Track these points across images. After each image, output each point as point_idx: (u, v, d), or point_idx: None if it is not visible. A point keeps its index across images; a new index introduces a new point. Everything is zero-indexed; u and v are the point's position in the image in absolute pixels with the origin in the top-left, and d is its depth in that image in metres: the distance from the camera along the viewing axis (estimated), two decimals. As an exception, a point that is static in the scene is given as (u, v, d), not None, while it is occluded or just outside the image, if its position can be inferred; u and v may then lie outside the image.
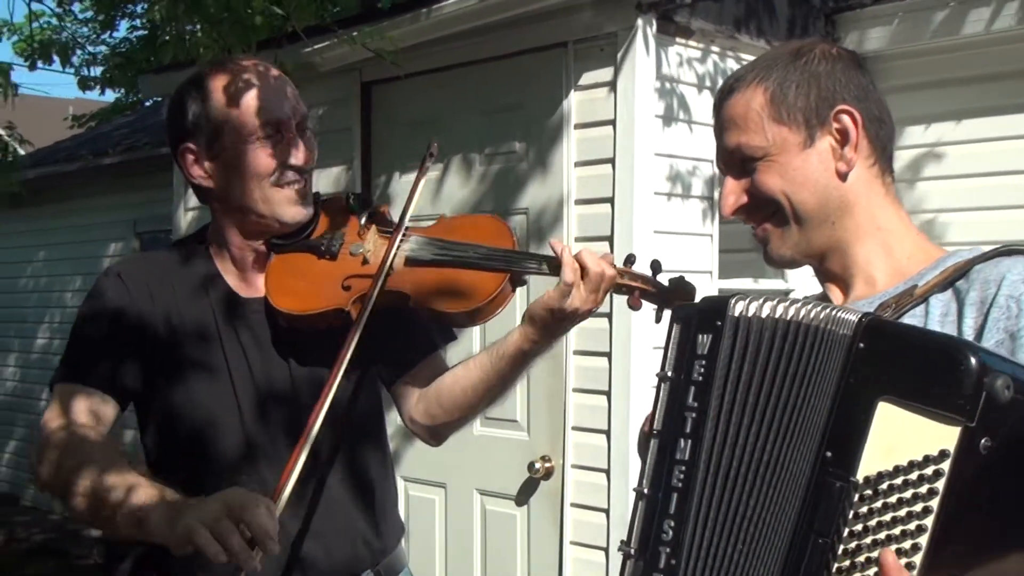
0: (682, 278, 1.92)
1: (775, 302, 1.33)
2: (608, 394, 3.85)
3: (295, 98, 2.06)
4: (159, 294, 2.06)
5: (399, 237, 2.01)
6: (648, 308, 2.01)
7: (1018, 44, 4.22)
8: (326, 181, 4.94)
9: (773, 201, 1.51)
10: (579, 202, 3.96)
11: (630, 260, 1.97)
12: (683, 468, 1.34)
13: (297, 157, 2.02)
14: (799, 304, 1.31)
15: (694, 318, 1.40)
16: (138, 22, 12.21)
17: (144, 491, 1.72)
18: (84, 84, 5.79)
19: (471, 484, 4.36)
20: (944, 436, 1.09)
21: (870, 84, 1.54)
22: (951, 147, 4.44)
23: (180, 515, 1.62)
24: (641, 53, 3.78)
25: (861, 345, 1.21)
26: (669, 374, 1.40)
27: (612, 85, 3.85)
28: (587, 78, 3.94)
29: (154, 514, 1.67)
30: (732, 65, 4.18)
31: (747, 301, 1.35)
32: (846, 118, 1.49)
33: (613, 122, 3.84)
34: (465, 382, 2.07)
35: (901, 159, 4.48)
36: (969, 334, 1.34)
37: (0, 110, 5.68)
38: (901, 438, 1.12)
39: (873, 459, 1.14)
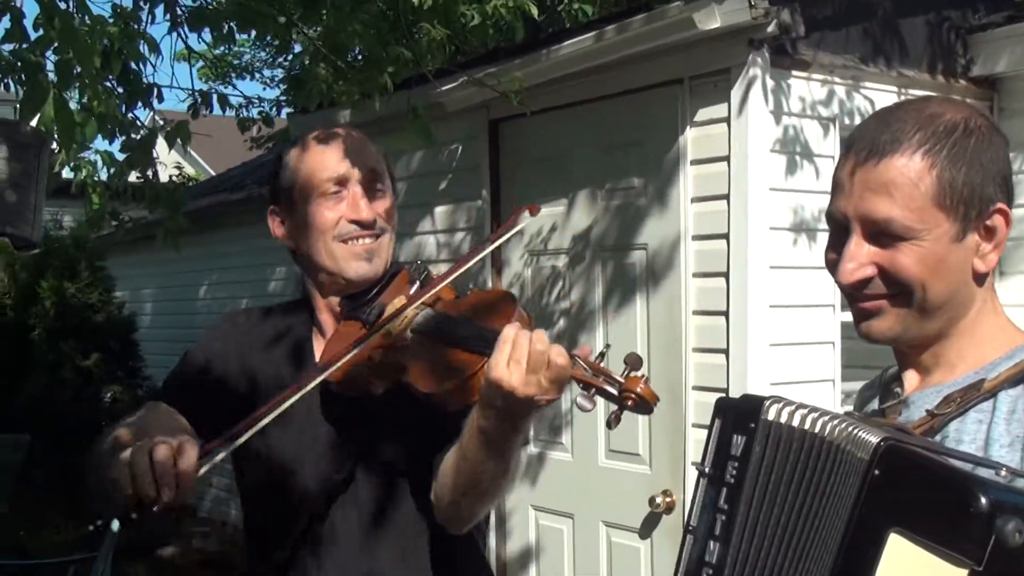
0: (647, 381, 1.67)
1: (807, 410, 1.31)
2: (726, 430, 3.85)
3: (367, 155, 2.11)
4: (251, 351, 2.17)
5: (413, 305, 1.95)
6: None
7: None
8: (459, 217, 5.08)
9: (907, 286, 1.40)
10: (696, 238, 3.98)
11: (601, 354, 1.75)
12: (711, 572, 1.34)
13: (358, 212, 2.05)
14: (827, 417, 1.29)
15: (731, 416, 1.39)
16: (295, 39, 12.69)
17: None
18: (243, 126, 6.05)
19: (597, 515, 4.42)
20: None
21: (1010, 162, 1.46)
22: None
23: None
24: (754, 88, 3.77)
25: (876, 472, 1.18)
26: (707, 470, 1.40)
27: (726, 121, 3.85)
28: (702, 114, 3.95)
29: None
30: (856, 96, 4.13)
31: (780, 406, 1.33)
32: (999, 218, 1.41)
33: (727, 158, 3.85)
34: (448, 465, 1.93)
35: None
36: None
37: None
38: (910, 574, 1.11)
39: None
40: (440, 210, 5.21)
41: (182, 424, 1.97)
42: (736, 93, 3.81)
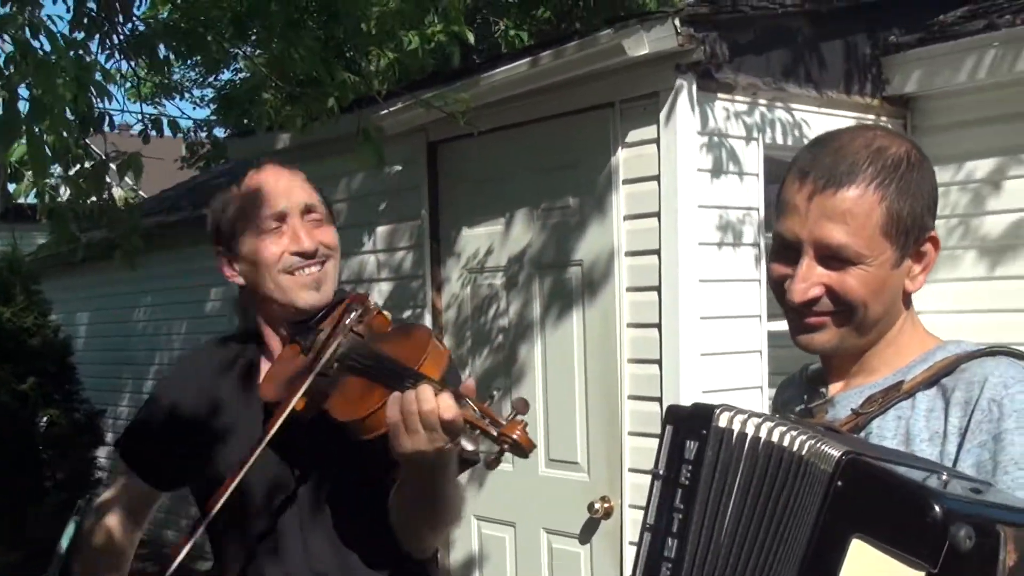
0: (526, 428, 1.74)
1: (760, 419, 1.39)
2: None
3: (301, 188, 2.21)
4: (204, 383, 2.29)
5: (336, 342, 2.04)
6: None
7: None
8: (400, 236, 5.23)
9: (852, 306, 1.52)
10: (629, 254, 4.16)
11: (491, 396, 1.83)
12: (669, 566, 1.43)
13: (300, 243, 2.14)
14: (784, 427, 1.37)
15: (683, 422, 1.46)
16: (241, 64, 12.79)
17: None
18: (192, 149, 6.20)
19: (538, 523, 4.57)
20: None
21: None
22: (997, 183, 4.52)
23: None
24: (682, 111, 3.96)
25: (839, 484, 1.27)
26: (661, 472, 1.47)
27: (656, 142, 4.04)
28: (633, 136, 4.14)
29: None
30: (781, 114, 4.34)
31: (732, 414, 1.41)
32: (930, 244, 1.55)
33: (658, 177, 4.03)
34: (393, 505, 2.08)
35: (946, 198, 4.57)
36: (954, 432, 1.44)
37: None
38: (871, 575, 1.21)
39: None
40: (381, 230, 5.35)
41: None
42: (664, 115, 4.00)
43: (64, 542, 4.69)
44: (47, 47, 2.49)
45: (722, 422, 1.41)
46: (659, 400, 4.03)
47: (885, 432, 1.51)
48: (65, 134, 3.27)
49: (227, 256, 2.24)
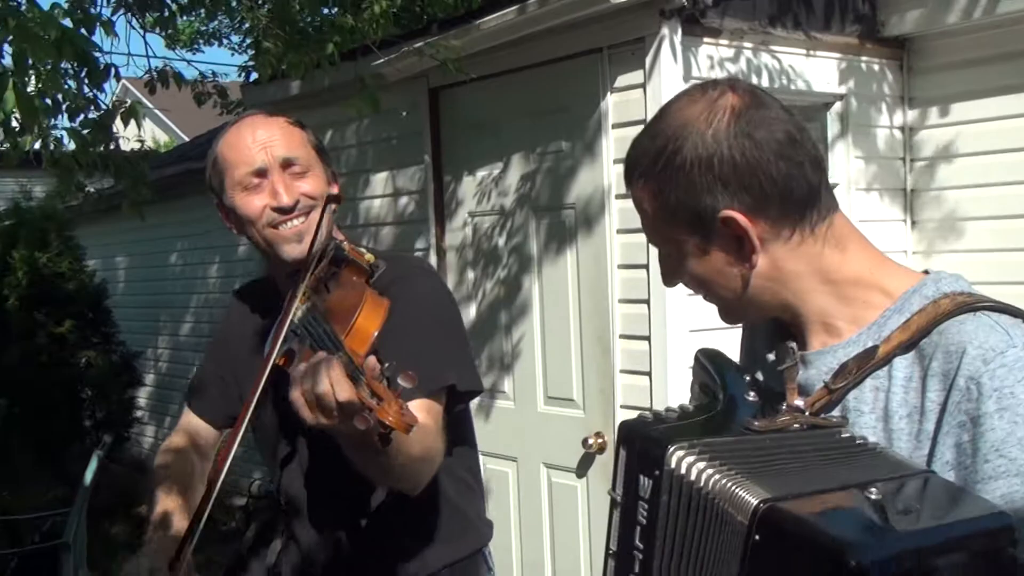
0: (404, 409, 1.64)
1: (704, 463, 1.32)
2: (649, 375, 4.16)
3: (281, 141, 2.20)
4: (253, 321, 2.43)
5: (296, 307, 1.94)
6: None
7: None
8: (403, 181, 5.36)
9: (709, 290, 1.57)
10: (619, 196, 4.26)
11: (388, 366, 1.71)
12: None
13: (278, 199, 2.17)
14: (719, 475, 1.30)
15: (636, 452, 1.40)
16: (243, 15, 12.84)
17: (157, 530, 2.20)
18: (199, 100, 6.40)
19: (538, 458, 4.73)
20: None
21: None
22: (992, 123, 4.55)
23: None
24: (666, 56, 4.04)
25: (756, 537, 1.23)
26: (619, 499, 1.42)
27: (643, 87, 4.12)
28: (621, 81, 4.22)
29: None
30: (766, 60, 4.40)
31: (683, 454, 1.34)
32: (723, 226, 1.47)
33: (645, 122, 4.10)
34: None
35: (943, 137, 4.63)
36: (932, 409, 1.36)
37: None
38: None
39: None
40: (385, 175, 5.49)
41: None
42: (650, 61, 4.08)
43: (88, 476, 4.89)
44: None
45: (673, 462, 1.34)
46: (647, 339, 4.15)
47: (862, 406, 1.43)
48: (70, 85, 3.42)
49: (223, 209, 2.29)
